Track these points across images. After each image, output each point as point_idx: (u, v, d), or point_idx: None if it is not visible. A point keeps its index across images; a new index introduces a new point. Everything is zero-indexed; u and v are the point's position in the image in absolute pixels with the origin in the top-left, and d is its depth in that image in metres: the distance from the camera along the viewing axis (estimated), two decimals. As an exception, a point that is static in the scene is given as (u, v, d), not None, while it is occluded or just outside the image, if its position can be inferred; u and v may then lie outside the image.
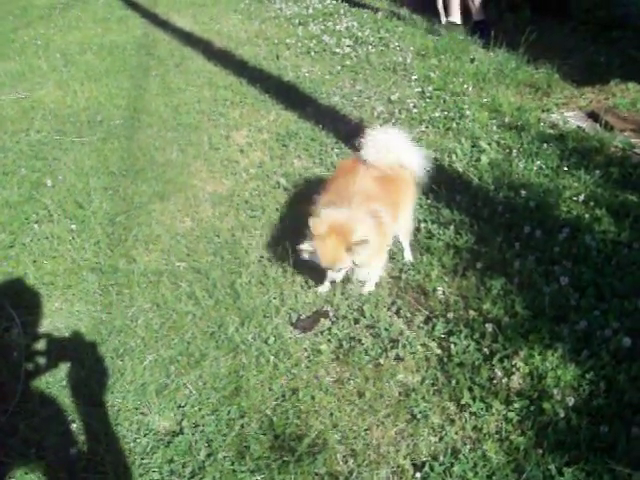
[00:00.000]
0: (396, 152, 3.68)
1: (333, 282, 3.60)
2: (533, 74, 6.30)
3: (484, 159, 4.83)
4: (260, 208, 4.54)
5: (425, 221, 4.18)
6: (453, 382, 3.05)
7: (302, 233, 3.42)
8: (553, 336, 3.18)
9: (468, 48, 7.14)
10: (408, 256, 3.91)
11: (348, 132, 5.39)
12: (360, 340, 3.34)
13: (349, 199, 3.37)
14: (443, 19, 7.95)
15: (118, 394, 3.16)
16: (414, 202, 4.00)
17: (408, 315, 3.50)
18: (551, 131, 5.26)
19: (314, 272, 3.70)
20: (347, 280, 3.71)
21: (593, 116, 5.52)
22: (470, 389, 3.00)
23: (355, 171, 3.59)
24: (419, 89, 6.26)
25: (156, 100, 6.62)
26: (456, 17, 7.84)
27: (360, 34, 7.97)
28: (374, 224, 3.35)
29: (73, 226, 4.46)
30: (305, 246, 3.34)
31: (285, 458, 2.77)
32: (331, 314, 3.55)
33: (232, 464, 2.77)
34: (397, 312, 3.54)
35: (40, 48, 8.57)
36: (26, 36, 9.13)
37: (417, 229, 4.13)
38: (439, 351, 3.25)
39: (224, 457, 2.80)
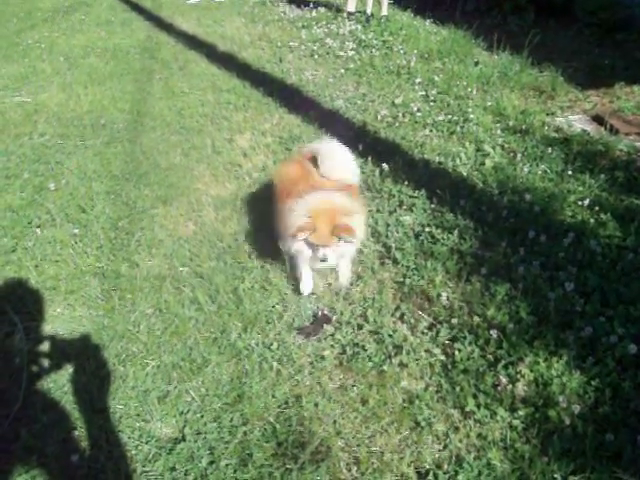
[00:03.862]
0: (349, 168, 3.76)
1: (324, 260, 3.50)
2: (537, 77, 6.29)
3: (488, 163, 4.82)
4: (263, 212, 4.51)
5: (429, 225, 4.15)
6: (457, 389, 3.03)
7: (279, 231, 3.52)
8: (558, 343, 3.16)
9: (472, 51, 7.13)
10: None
11: (352, 136, 5.37)
12: (364, 346, 3.32)
13: (321, 188, 3.45)
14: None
15: (120, 400, 3.14)
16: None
17: (412, 321, 3.48)
18: (555, 135, 5.24)
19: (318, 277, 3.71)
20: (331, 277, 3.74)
21: (598, 119, 5.51)
22: (474, 396, 2.98)
23: (310, 173, 3.67)
24: (423, 92, 6.26)
25: (160, 104, 6.62)
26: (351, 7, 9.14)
27: (364, 37, 7.98)
28: (353, 201, 3.44)
29: (76, 230, 4.45)
30: (300, 235, 3.30)
31: (288, 466, 2.75)
32: (334, 319, 3.53)
33: (234, 472, 2.75)
34: (401, 318, 3.52)
35: (44, 51, 8.61)
36: (30, 39, 9.16)
37: (420, 234, 4.11)
38: (443, 357, 3.23)
39: (226, 465, 2.78)
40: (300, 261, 3.62)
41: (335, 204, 3.29)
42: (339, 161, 3.70)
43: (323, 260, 3.42)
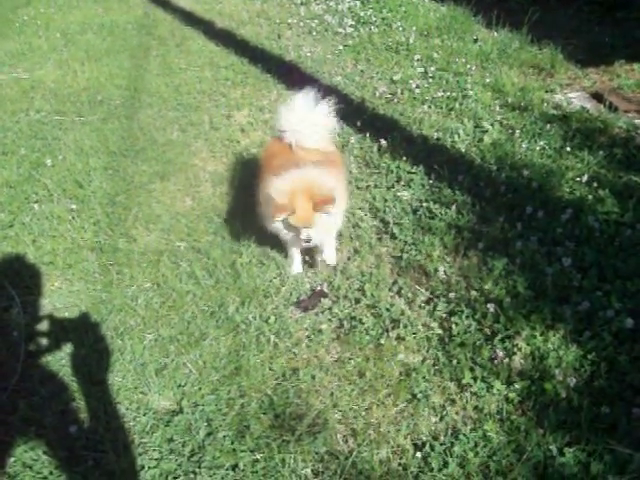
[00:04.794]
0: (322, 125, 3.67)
1: (308, 241, 3.41)
2: (537, 54, 6.24)
3: (487, 139, 4.80)
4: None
5: (427, 201, 4.15)
6: (454, 362, 3.04)
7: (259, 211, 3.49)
8: (555, 317, 3.17)
9: (471, 28, 7.08)
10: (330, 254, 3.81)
11: (350, 112, 5.34)
12: (361, 320, 3.33)
13: (296, 164, 3.33)
14: None
15: (118, 373, 3.15)
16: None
17: (409, 295, 3.49)
18: (554, 112, 5.21)
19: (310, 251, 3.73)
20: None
21: (597, 97, 5.48)
22: (471, 369, 2.99)
23: (289, 148, 3.60)
24: (422, 69, 6.21)
25: (157, 80, 6.58)
26: None
27: (362, 14, 7.90)
28: (330, 175, 3.35)
29: (73, 206, 4.45)
30: (273, 220, 3.28)
31: (285, 437, 2.77)
32: (327, 292, 3.55)
33: (232, 443, 2.77)
34: (398, 292, 3.53)
35: (40, 27, 8.52)
36: (26, 15, 9.06)
37: (418, 209, 4.11)
38: (440, 331, 3.24)
39: (224, 436, 2.80)
40: (287, 242, 3.61)
41: (311, 182, 3.20)
42: (308, 130, 3.59)
43: (307, 241, 3.38)
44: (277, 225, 3.35)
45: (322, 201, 3.17)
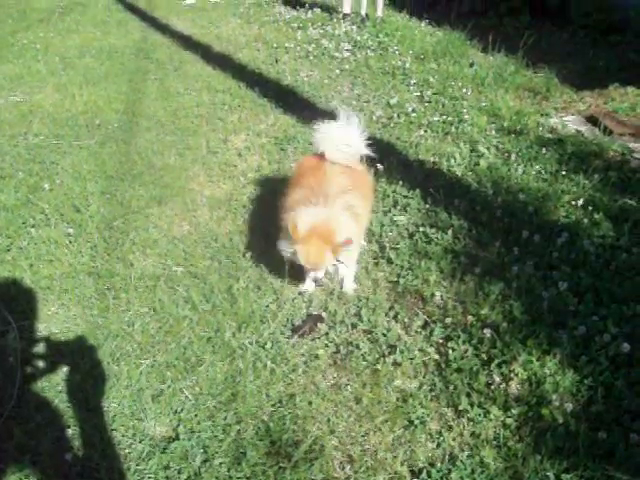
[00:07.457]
0: (353, 145, 3.73)
1: (316, 280, 3.61)
2: (532, 78, 6.31)
3: (483, 163, 4.83)
4: (258, 212, 4.52)
5: (423, 225, 4.17)
6: (451, 388, 3.03)
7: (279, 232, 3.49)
8: (552, 341, 3.17)
9: (467, 52, 7.15)
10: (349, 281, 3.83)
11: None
12: (358, 345, 3.32)
13: (324, 195, 3.38)
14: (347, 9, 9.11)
15: (114, 399, 3.13)
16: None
17: (406, 320, 3.49)
18: (550, 135, 5.26)
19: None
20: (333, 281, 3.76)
21: (592, 120, 5.53)
22: (468, 395, 2.99)
23: (322, 167, 3.62)
24: (418, 93, 6.26)
25: (155, 104, 6.62)
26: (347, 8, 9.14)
27: (359, 38, 7.99)
28: (351, 218, 3.38)
29: (70, 230, 4.45)
30: (286, 248, 3.36)
31: (282, 464, 2.75)
32: (324, 316, 3.54)
33: (228, 470, 2.75)
34: (395, 317, 3.52)
35: (39, 52, 8.59)
36: (25, 39, 9.14)
37: (415, 233, 4.12)
38: (437, 356, 3.23)
39: (220, 463, 2.78)
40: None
41: (328, 227, 3.25)
42: (335, 143, 3.65)
43: (316, 282, 3.51)
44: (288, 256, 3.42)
45: (338, 248, 3.24)
